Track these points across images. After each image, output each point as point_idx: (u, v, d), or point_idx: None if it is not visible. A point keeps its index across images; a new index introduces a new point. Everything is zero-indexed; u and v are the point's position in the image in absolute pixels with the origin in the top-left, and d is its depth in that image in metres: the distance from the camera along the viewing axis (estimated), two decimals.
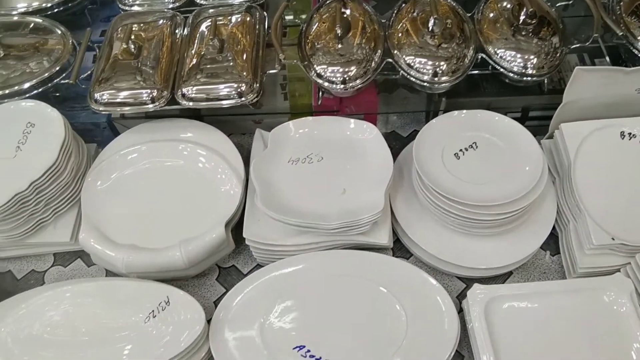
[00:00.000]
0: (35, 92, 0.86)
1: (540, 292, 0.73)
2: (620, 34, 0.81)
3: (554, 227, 0.81)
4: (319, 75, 0.82)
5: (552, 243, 0.83)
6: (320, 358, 0.71)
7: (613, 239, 0.73)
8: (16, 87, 0.86)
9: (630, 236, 0.73)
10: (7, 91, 0.85)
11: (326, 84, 0.81)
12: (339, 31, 0.81)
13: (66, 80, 0.87)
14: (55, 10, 0.98)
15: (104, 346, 0.73)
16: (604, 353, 0.69)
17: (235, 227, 0.84)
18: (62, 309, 0.75)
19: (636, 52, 0.81)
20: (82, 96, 0.91)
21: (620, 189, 0.77)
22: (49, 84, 0.87)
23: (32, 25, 0.92)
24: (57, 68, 0.88)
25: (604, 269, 0.76)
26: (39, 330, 0.74)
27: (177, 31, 0.90)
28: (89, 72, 0.88)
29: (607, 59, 0.86)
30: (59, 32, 0.92)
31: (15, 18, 0.93)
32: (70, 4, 0.99)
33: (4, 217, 0.77)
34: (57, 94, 0.90)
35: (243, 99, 0.81)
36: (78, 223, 0.85)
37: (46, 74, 0.87)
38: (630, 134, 0.79)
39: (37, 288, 0.80)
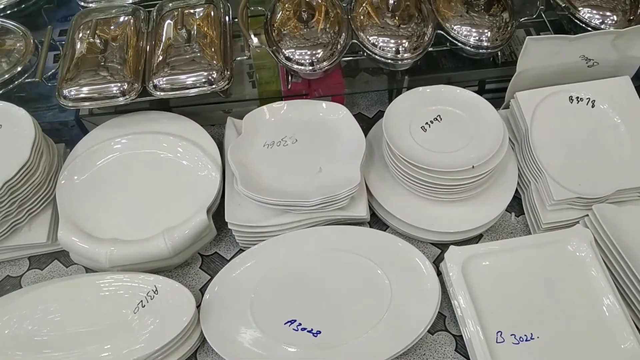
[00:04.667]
0: None
1: (511, 248, 0.78)
2: (563, 5, 0.88)
3: (516, 191, 0.87)
4: (288, 59, 0.84)
5: (516, 205, 0.89)
6: (312, 329, 0.74)
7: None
8: None
9: (585, 190, 0.80)
10: None
11: (295, 66, 0.84)
12: (304, 15, 0.84)
13: (32, 79, 0.85)
14: (9, 11, 0.96)
15: (95, 341, 0.73)
16: (573, 295, 0.75)
17: (215, 215, 0.85)
18: (48, 309, 0.75)
19: (577, 21, 0.88)
20: (47, 96, 0.91)
21: (573, 148, 0.84)
22: (16, 82, 0.85)
23: None
24: (20, 68, 0.86)
25: (564, 223, 0.82)
26: (24, 331, 0.73)
27: (142, 24, 0.90)
28: (53, 70, 0.87)
29: (551, 32, 0.93)
30: (19, 32, 0.90)
31: None
32: (24, 5, 0.97)
33: None
34: (22, 95, 0.88)
35: (215, 86, 0.83)
36: (54, 223, 0.84)
37: (8, 75, 0.85)
38: (577, 97, 0.86)
39: (18, 291, 0.79)
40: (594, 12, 0.88)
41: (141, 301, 0.75)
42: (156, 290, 0.75)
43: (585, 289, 0.75)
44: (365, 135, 0.88)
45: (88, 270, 0.84)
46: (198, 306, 0.76)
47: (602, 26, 0.87)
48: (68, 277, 0.82)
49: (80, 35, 0.88)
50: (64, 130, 0.91)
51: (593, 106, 0.86)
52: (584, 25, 0.88)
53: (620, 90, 0.86)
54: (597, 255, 0.77)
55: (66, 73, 0.84)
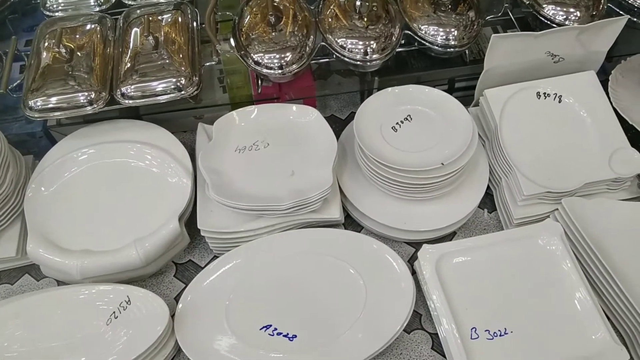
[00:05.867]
0: None
1: (483, 245, 0.79)
2: (528, 2, 0.90)
3: (488, 187, 0.88)
4: (257, 63, 0.84)
5: (489, 201, 0.90)
6: (288, 334, 0.74)
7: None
8: None
9: (554, 184, 0.81)
10: None
11: (264, 70, 0.84)
12: (272, 19, 0.84)
13: None
14: None
15: (68, 355, 0.71)
16: (545, 289, 0.76)
17: (189, 222, 0.85)
18: (19, 324, 0.73)
19: (542, 18, 0.89)
20: (13, 107, 0.89)
21: (541, 143, 0.85)
22: None
23: None
24: None
25: (535, 217, 0.83)
26: None
27: (109, 32, 0.89)
28: (19, 81, 0.86)
29: (518, 29, 0.94)
30: None
31: None
32: None
33: None
34: None
35: (183, 92, 0.82)
36: (23, 237, 0.82)
37: None
38: (545, 93, 0.87)
39: None
40: (558, 8, 0.89)
41: (114, 312, 0.74)
42: (129, 300, 0.74)
43: (557, 282, 0.76)
44: (338, 137, 0.89)
45: (60, 283, 0.83)
46: (173, 315, 0.75)
47: (566, 22, 0.88)
48: (39, 291, 0.80)
49: (46, 44, 0.87)
50: (31, 142, 0.89)
51: (560, 101, 0.87)
52: (548, 22, 0.89)
53: (585, 84, 0.87)
54: (568, 248, 0.77)
55: (32, 83, 0.83)
